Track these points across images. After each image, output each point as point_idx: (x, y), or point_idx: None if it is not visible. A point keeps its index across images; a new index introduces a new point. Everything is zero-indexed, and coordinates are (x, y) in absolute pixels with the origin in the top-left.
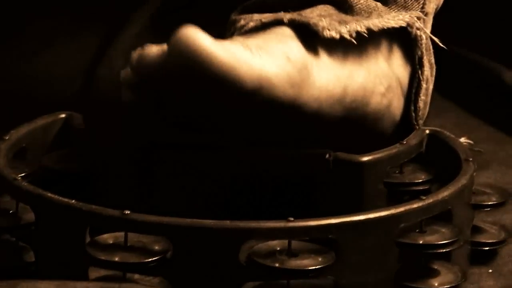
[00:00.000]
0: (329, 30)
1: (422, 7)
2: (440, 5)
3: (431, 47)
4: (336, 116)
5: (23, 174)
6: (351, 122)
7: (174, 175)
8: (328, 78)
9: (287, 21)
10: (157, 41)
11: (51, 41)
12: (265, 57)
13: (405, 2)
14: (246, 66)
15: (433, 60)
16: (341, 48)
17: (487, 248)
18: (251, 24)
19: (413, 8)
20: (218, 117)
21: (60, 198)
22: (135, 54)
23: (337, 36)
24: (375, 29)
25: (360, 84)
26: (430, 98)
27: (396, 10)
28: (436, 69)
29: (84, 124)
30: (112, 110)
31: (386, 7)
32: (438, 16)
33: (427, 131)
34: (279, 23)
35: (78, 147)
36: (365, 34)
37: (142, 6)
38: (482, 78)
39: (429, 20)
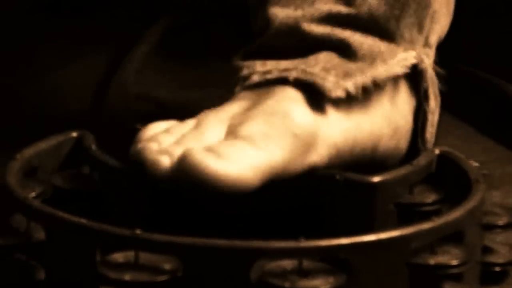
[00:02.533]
0: (335, 90)
1: (426, 40)
2: (443, 37)
3: (435, 78)
4: (344, 165)
5: (34, 193)
6: (360, 166)
7: (184, 194)
8: (336, 134)
9: (292, 80)
10: (168, 59)
11: (62, 60)
12: (271, 145)
13: (411, 37)
14: (252, 173)
15: (437, 91)
16: (346, 100)
17: (498, 269)
18: (255, 78)
19: (418, 42)
20: (228, 210)
21: (71, 217)
22: (148, 161)
23: (344, 95)
24: (380, 80)
25: (368, 132)
26: (439, 117)
27: (402, 46)
28: (445, 87)
29: (96, 143)
30: (123, 128)
31: (392, 45)
32: (448, 35)
33: (437, 152)
34: (283, 81)
35: (89, 166)
36: (370, 86)
37: (153, 25)
38: (490, 96)
39: (433, 52)
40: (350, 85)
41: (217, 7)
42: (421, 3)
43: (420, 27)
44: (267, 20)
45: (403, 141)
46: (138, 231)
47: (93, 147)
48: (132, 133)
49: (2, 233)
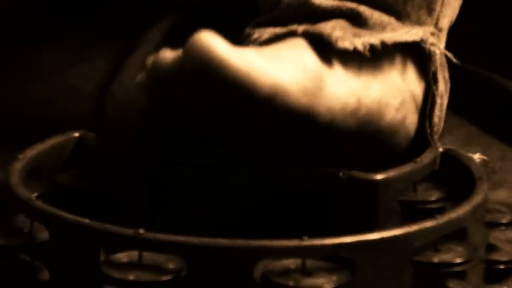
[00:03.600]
0: (343, 40)
1: (436, 23)
2: (454, 20)
3: (445, 62)
4: (349, 129)
5: (37, 193)
6: (365, 136)
7: (186, 193)
8: (342, 90)
9: (301, 32)
10: None
11: (65, 62)
12: (279, 65)
13: (419, 18)
14: (261, 73)
15: (447, 76)
16: (355, 60)
17: (501, 267)
18: (265, 36)
19: (427, 24)
20: (231, 125)
21: (74, 217)
22: (150, 59)
23: (351, 47)
24: (389, 42)
25: (374, 97)
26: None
27: (410, 26)
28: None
29: (98, 143)
30: (125, 128)
31: (400, 23)
32: (450, 33)
33: (441, 149)
34: (293, 34)
35: (92, 166)
36: (378, 47)
37: (155, 25)
38: (494, 95)
39: (443, 36)
40: (358, 42)
41: (219, 7)
42: None
43: (429, 9)
44: None
45: (410, 117)
46: (141, 231)
47: (95, 147)
48: (132, 132)
49: (5, 233)
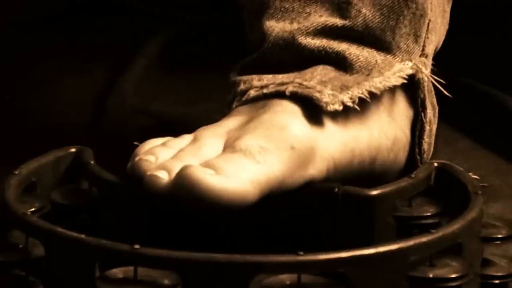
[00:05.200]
0: (332, 104)
1: (422, 50)
2: (439, 47)
3: (432, 88)
4: (344, 179)
5: (33, 209)
6: (358, 179)
7: (182, 209)
8: (335, 147)
9: (288, 94)
10: (166, 73)
11: (61, 74)
12: (269, 158)
13: (407, 47)
14: (250, 187)
15: (435, 102)
16: (344, 112)
17: (497, 281)
18: (252, 93)
19: (415, 52)
20: (226, 228)
21: (70, 232)
22: (148, 176)
23: (340, 108)
24: (377, 91)
25: (366, 144)
26: (436, 129)
27: (399, 57)
28: (444, 99)
29: (94, 158)
30: (122, 142)
31: (388, 56)
32: (446, 47)
33: (435, 164)
34: (280, 95)
35: (88, 181)
36: (367, 99)
37: (152, 38)
38: (491, 109)
39: (429, 62)
40: (347, 98)
41: (215, 21)
42: (416, 13)
43: (416, 37)
44: (263, 34)
45: (401, 153)
46: (137, 246)
47: (92, 162)
48: (130, 148)
49: (1, 249)
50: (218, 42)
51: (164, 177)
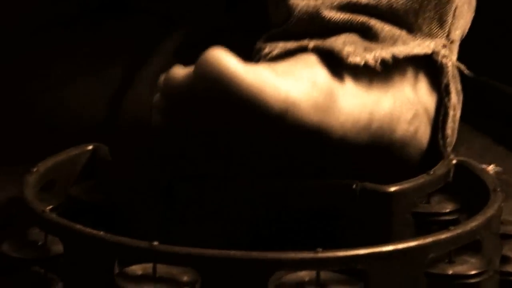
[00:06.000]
0: (354, 56)
1: (448, 35)
2: (465, 33)
3: (457, 74)
4: (362, 143)
5: (51, 206)
6: (377, 149)
7: (200, 206)
8: (354, 105)
9: (311, 48)
10: None
11: (77, 73)
12: (291, 81)
13: (430, 30)
14: (273, 89)
15: (460, 87)
16: (367, 75)
17: None
18: (276, 51)
19: (439, 36)
20: (244, 141)
21: (88, 229)
22: (162, 77)
23: (362, 62)
24: (400, 55)
25: (386, 111)
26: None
27: (421, 38)
28: (462, 97)
29: (111, 156)
30: (138, 141)
31: (411, 35)
32: (462, 45)
33: (454, 161)
34: (303, 50)
35: (105, 178)
36: (389, 61)
37: (167, 38)
38: (508, 106)
39: (455, 47)
40: (369, 56)
41: (231, 21)
42: None
43: (441, 21)
44: (288, 11)
45: (422, 130)
46: (156, 243)
47: (109, 159)
48: (145, 145)
49: (20, 246)
50: (232, 42)
51: (180, 72)
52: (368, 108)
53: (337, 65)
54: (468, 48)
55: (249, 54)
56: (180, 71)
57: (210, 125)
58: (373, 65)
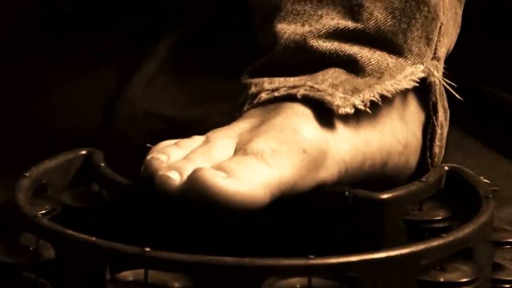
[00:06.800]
0: (344, 108)
1: (435, 53)
2: (450, 49)
3: (444, 92)
4: (355, 182)
5: (43, 211)
6: (369, 183)
7: (193, 211)
8: (346, 150)
9: (300, 97)
10: (176, 75)
11: (71, 76)
12: (280, 161)
13: (419, 50)
14: (262, 190)
15: (446, 105)
16: (355, 115)
17: (507, 286)
18: (264, 97)
19: (426, 55)
20: (232, 228)
21: (80, 235)
22: (158, 176)
23: (352, 111)
24: (388, 94)
25: (377, 148)
26: (447, 132)
27: (411, 60)
28: (453, 102)
29: (104, 160)
30: (131, 145)
31: (400, 59)
32: (454, 50)
33: (446, 168)
34: (291, 98)
35: (98, 183)
36: (379, 102)
37: (161, 40)
38: (499, 111)
39: (441, 65)
40: (358, 101)
41: (225, 22)
42: (428, 16)
43: (428, 40)
44: (274, 37)
45: (412, 157)
46: (147, 249)
47: (102, 164)
48: (140, 150)
49: (11, 251)
50: (228, 43)
51: (175, 178)
52: (360, 150)
53: (325, 112)
54: (460, 53)
55: (243, 54)
56: (173, 181)
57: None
58: (363, 109)
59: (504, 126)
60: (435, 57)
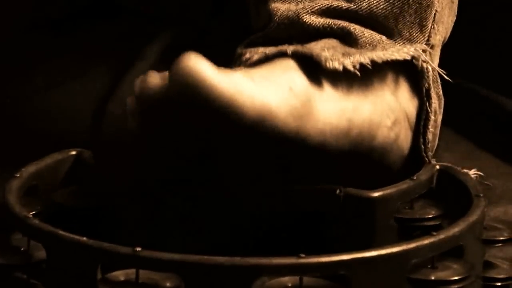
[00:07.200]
0: (332, 61)
1: (428, 40)
2: (447, 38)
3: (438, 79)
4: (341, 150)
5: (34, 212)
6: (358, 156)
7: (183, 211)
8: (333, 111)
9: (290, 53)
10: None
11: (61, 78)
12: (267, 87)
13: (410, 35)
14: (248, 97)
15: (441, 92)
16: (346, 80)
17: (499, 284)
18: (256, 57)
19: (419, 41)
20: (220, 150)
21: (71, 235)
22: (137, 82)
23: (340, 68)
24: (379, 61)
25: (366, 117)
26: (439, 131)
27: (401, 43)
28: (445, 102)
29: (94, 161)
30: (122, 146)
31: (391, 41)
32: (445, 50)
33: (437, 167)
34: (282, 55)
35: (89, 184)
36: (369, 66)
37: (152, 42)
38: (491, 111)
39: (436, 52)
40: (348, 61)
41: (216, 23)
42: (423, 3)
43: (421, 26)
44: (269, 15)
45: (403, 136)
46: (138, 249)
47: (92, 164)
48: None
49: (2, 252)
50: (218, 45)
51: (155, 79)
52: (347, 114)
53: (315, 71)
54: (451, 52)
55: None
56: (155, 77)
57: (185, 132)
58: (352, 70)
59: (496, 126)
60: (428, 44)
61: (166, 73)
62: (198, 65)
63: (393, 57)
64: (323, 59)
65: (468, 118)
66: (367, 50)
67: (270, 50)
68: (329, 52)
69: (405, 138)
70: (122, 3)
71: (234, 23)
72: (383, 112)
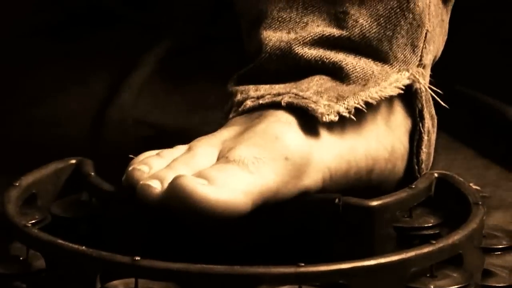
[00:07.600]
0: (328, 115)
1: (420, 60)
2: (438, 57)
3: (430, 98)
4: (340, 189)
5: (33, 221)
6: (356, 190)
7: (178, 219)
8: (330, 158)
9: (284, 105)
10: (166, 84)
11: (61, 85)
12: (263, 168)
13: (405, 57)
14: (243, 197)
15: (433, 111)
16: (340, 122)
17: None
18: (249, 104)
19: (412, 62)
20: (220, 236)
21: (71, 244)
22: (139, 186)
23: (336, 119)
24: (373, 101)
25: (362, 154)
26: (436, 138)
27: (397, 67)
28: (443, 109)
29: (94, 170)
30: (121, 153)
31: (386, 66)
32: (445, 57)
33: (436, 175)
34: (276, 106)
35: (88, 192)
36: (363, 109)
37: (151, 49)
38: (489, 118)
39: (427, 72)
40: (343, 108)
41: (215, 31)
42: (413, 23)
43: (413, 47)
44: (260, 44)
45: (399, 163)
46: (137, 258)
47: (92, 173)
48: (129, 160)
49: (1, 261)
50: (217, 52)
51: (156, 186)
52: (345, 157)
53: (310, 120)
54: (451, 58)
55: (232, 63)
56: (155, 190)
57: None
58: (347, 116)
59: (494, 133)
60: (420, 64)
61: (165, 185)
62: (191, 184)
63: (386, 94)
64: (319, 115)
65: (466, 125)
66: (359, 86)
67: (263, 97)
68: (324, 102)
69: (401, 164)
70: (122, 11)
71: (233, 30)
72: (379, 144)
